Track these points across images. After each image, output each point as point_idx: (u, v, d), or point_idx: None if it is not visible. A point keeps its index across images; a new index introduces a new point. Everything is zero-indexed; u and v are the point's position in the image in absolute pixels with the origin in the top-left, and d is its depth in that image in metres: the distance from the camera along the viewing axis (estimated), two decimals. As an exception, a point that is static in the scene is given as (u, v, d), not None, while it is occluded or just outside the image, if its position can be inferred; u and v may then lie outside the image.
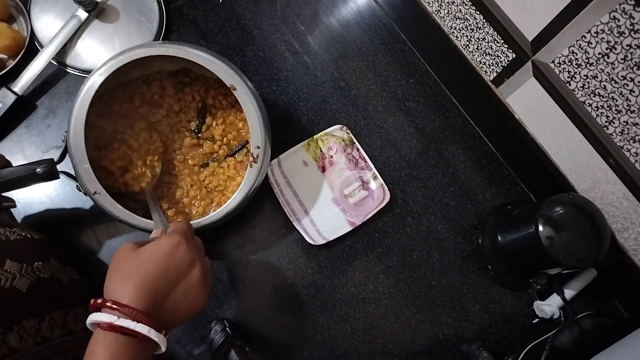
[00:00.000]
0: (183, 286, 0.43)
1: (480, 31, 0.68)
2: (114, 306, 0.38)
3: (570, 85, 0.59)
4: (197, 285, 0.43)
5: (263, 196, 0.69)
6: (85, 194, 0.56)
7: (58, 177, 0.57)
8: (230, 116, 0.68)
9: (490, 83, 0.72)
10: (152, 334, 0.39)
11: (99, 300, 0.39)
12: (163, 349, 0.40)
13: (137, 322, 0.38)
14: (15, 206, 0.60)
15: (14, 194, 0.62)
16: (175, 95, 0.67)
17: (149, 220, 0.56)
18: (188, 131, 0.67)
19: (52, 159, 0.57)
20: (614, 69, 0.53)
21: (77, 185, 0.57)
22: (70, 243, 0.63)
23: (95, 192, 0.55)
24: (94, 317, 0.39)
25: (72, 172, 0.57)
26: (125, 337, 0.38)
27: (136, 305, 0.39)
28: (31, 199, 0.65)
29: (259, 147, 0.59)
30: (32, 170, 0.55)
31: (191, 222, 0.57)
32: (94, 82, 0.55)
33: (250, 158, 0.59)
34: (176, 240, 0.44)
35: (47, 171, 0.55)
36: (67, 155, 0.56)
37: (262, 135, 0.59)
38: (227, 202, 0.59)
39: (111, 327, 0.38)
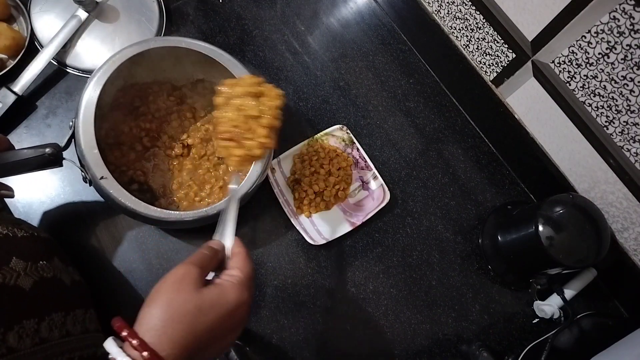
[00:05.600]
0: (219, 344, 0.38)
1: (480, 31, 0.68)
2: (146, 358, 0.33)
3: (570, 85, 0.59)
4: (229, 344, 0.41)
5: (263, 196, 0.69)
6: (90, 183, 0.56)
7: (62, 164, 0.57)
8: None
9: (490, 83, 0.72)
10: None
11: (134, 341, 0.33)
12: None
13: None
14: (13, 196, 0.60)
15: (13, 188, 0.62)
16: (204, 118, 0.69)
17: (154, 208, 0.55)
18: (215, 158, 0.68)
19: (58, 144, 0.56)
20: (614, 69, 0.53)
21: (82, 175, 0.56)
22: (70, 244, 0.63)
23: (102, 177, 0.54)
24: (115, 353, 0.33)
25: (77, 163, 0.57)
26: None
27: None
28: (31, 199, 0.65)
29: None
30: (41, 152, 0.54)
31: (199, 212, 0.56)
32: (107, 68, 0.57)
33: None
34: (243, 300, 0.39)
35: (55, 153, 0.55)
36: (73, 143, 0.57)
37: None
38: (233, 192, 0.58)
39: None
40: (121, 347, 0.34)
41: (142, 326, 0.35)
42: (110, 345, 0.34)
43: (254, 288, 0.43)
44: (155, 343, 0.34)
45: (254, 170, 0.60)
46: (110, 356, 0.34)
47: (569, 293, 0.66)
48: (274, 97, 0.52)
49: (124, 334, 0.34)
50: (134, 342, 0.33)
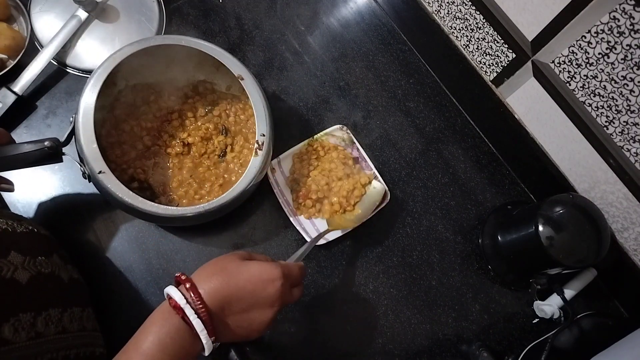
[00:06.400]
0: (251, 316, 0.44)
1: (480, 31, 0.68)
2: (188, 288, 0.41)
3: (570, 85, 0.59)
4: (262, 323, 0.45)
5: (263, 196, 0.69)
6: (89, 179, 0.56)
7: (61, 160, 0.58)
8: (250, 134, 0.69)
9: (490, 83, 0.72)
10: (203, 334, 0.40)
11: (183, 277, 0.43)
12: (206, 353, 0.42)
13: (198, 316, 0.40)
14: (13, 190, 0.60)
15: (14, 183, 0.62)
16: (205, 117, 0.69)
17: (151, 203, 0.55)
18: (216, 156, 0.68)
19: (57, 138, 0.57)
20: (614, 69, 0.53)
21: (81, 171, 0.57)
22: (69, 242, 0.63)
23: (100, 172, 0.54)
24: (169, 289, 0.42)
25: (76, 159, 0.57)
26: (183, 324, 0.40)
27: (207, 300, 0.41)
28: (31, 198, 0.65)
29: (264, 135, 0.61)
30: (41, 145, 0.55)
31: (197, 207, 0.57)
32: (107, 65, 0.58)
33: (256, 145, 0.60)
34: (276, 275, 0.45)
35: (54, 147, 0.55)
36: (74, 140, 0.57)
37: (267, 124, 0.61)
38: (231, 189, 0.59)
39: (175, 307, 0.40)
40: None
41: (194, 274, 0.45)
42: (169, 287, 0.42)
43: (296, 291, 0.49)
44: (198, 282, 0.42)
45: (252, 168, 0.60)
46: (167, 298, 0.42)
47: (569, 293, 0.66)
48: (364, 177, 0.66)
49: (178, 274, 0.43)
50: (183, 277, 0.43)
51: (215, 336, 0.42)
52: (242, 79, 0.62)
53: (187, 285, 0.42)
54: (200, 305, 0.41)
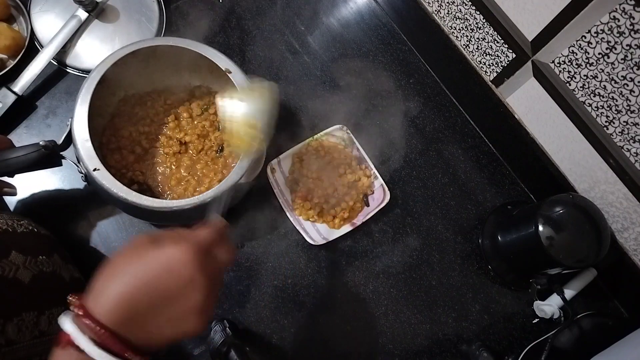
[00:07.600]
0: (177, 308, 0.35)
1: (480, 31, 0.68)
2: (80, 314, 0.33)
3: (570, 85, 0.59)
4: (192, 310, 0.35)
5: (262, 196, 0.69)
6: (85, 178, 0.57)
7: (61, 164, 0.58)
8: None
9: (490, 83, 0.72)
10: None
11: (74, 298, 0.34)
12: None
13: (100, 344, 0.32)
14: (15, 193, 0.60)
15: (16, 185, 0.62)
16: (201, 116, 0.69)
17: (146, 197, 0.54)
18: (213, 152, 0.68)
19: (54, 140, 0.57)
20: (614, 69, 0.53)
21: (79, 171, 0.57)
22: (70, 242, 0.63)
23: (95, 169, 0.54)
24: (61, 320, 0.33)
25: (74, 161, 0.57)
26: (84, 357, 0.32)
27: (108, 319, 0.32)
28: (31, 199, 0.65)
29: None
30: (37, 147, 0.55)
31: (192, 200, 0.54)
32: (104, 65, 0.58)
33: None
34: (186, 257, 0.35)
35: (51, 147, 0.55)
36: (71, 143, 0.57)
37: None
38: (226, 178, 0.57)
39: (69, 342, 0.32)
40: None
41: (92, 285, 0.35)
42: (61, 316, 0.34)
43: (223, 253, 0.39)
44: (95, 297, 0.33)
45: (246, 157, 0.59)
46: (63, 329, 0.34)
47: (569, 293, 0.66)
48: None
49: (69, 296, 0.35)
50: (73, 299, 0.34)
51: (141, 354, 0.33)
52: (230, 72, 0.62)
53: (79, 310, 0.33)
54: (99, 329, 0.32)
